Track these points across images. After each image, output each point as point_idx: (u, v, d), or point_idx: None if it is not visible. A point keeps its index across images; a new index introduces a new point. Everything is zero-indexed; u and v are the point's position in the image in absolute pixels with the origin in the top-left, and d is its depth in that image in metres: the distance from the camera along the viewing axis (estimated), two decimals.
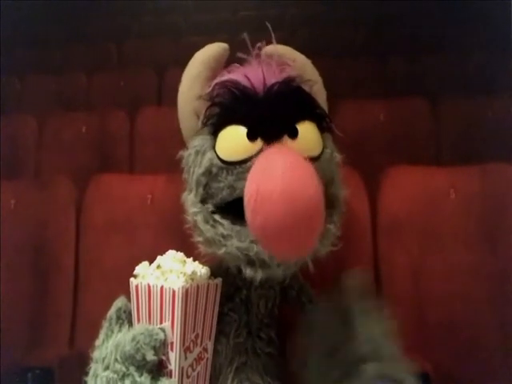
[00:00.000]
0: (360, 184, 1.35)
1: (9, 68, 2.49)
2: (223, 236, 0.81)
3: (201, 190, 0.84)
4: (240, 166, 0.80)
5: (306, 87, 0.88)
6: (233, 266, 0.86)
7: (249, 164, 0.79)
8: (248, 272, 0.81)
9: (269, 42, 0.91)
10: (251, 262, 0.80)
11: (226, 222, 0.81)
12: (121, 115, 2.17)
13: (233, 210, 0.81)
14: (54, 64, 3.05)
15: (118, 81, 2.65)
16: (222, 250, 0.81)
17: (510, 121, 1.72)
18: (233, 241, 0.80)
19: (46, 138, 2.14)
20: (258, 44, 0.90)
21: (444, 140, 1.95)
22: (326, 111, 0.94)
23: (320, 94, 0.95)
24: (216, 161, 0.83)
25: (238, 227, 0.80)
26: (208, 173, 0.83)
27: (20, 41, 3.09)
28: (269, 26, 0.90)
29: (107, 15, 3.45)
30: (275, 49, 0.91)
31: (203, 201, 0.85)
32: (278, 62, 0.88)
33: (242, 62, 0.89)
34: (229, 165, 0.81)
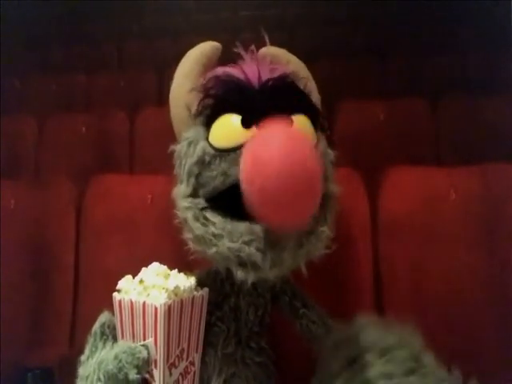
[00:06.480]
0: (360, 184, 1.35)
1: (9, 68, 2.49)
2: (214, 235, 0.78)
3: (192, 180, 0.82)
4: (234, 153, 0.78)
5: (300, 85, 0.87)
6: (223, 269, 0.83)
7: (242, 150, 0.76)
8: (239, 274, 0.78)
9: (263, 44, 0.91)
10: (243, 264, 0.77)
11: (217, 220, 0.78)
12: (121, 115, 2.17)
13: (224, 202, 0.79)
14: (54, 64, 3.06)
15: (118, 81, 2.65)
16: (213, 250, 0.79)
17: (510, 121, 1.72)
18: (224, 241, 0.77)
19: (45, 138, 2.14)
20: (254, 45, 0.90)
21: (444, 140, 1.95)
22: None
23: (314, 95, 0.94)
24: (209, 149, 0.80)
25: (229, 226, 0.78)
26: (201, 162, 0.81)
27: (20, 41, 3.09)
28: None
29: (108, 16, 3.46)
30: (269, 50, 0.91)
31: (194, 193, 0.82)
32: (273, 61, 0.88)
33: (238, 60, 0.89)
34: (222, 152, 0.79)
